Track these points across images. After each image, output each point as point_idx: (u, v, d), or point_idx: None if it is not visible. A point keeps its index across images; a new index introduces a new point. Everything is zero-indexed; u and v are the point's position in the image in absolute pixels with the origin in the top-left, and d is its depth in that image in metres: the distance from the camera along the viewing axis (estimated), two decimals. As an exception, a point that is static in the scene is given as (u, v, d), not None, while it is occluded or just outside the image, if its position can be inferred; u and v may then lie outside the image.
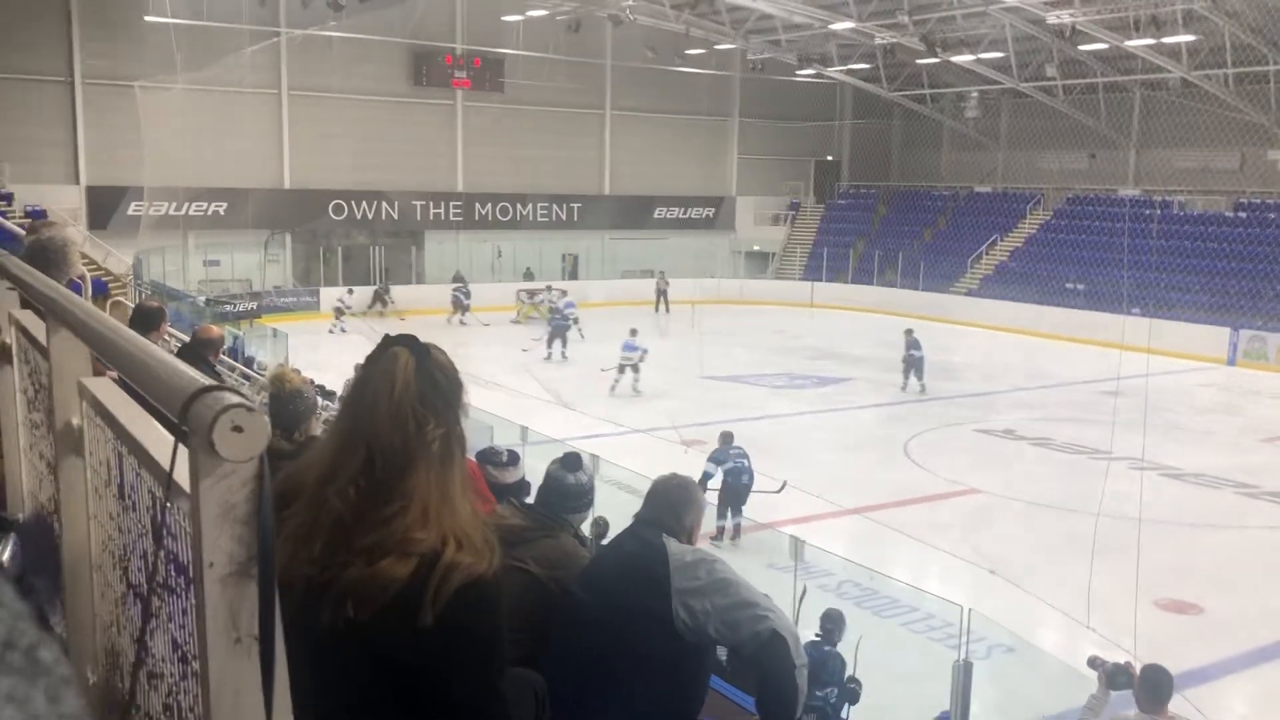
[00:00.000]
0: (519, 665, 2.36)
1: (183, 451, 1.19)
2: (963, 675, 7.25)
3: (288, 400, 3.86)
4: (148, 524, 1.45)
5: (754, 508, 12.46)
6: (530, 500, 3.41)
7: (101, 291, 16.96)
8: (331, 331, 27.22)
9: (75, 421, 1.91)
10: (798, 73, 35.78)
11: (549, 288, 31.85)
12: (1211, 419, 20.00)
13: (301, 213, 31.87)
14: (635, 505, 3.01)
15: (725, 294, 35.58)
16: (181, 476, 1.21)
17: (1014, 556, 11.79)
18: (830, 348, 26.86)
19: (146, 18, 26.42)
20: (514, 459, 4.50)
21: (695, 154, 38.82)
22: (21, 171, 26.33)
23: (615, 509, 5.81)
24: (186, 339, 8.46)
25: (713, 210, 39.68)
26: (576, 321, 25.23)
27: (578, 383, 21.44)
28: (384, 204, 33.14)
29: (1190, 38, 26.58)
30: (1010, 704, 8.69)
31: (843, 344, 27.43)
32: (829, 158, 41.84)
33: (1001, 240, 34.97)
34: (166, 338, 7.67)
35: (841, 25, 30.10)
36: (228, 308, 26.29)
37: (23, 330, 2.44)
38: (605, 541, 4.40)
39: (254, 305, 28.60)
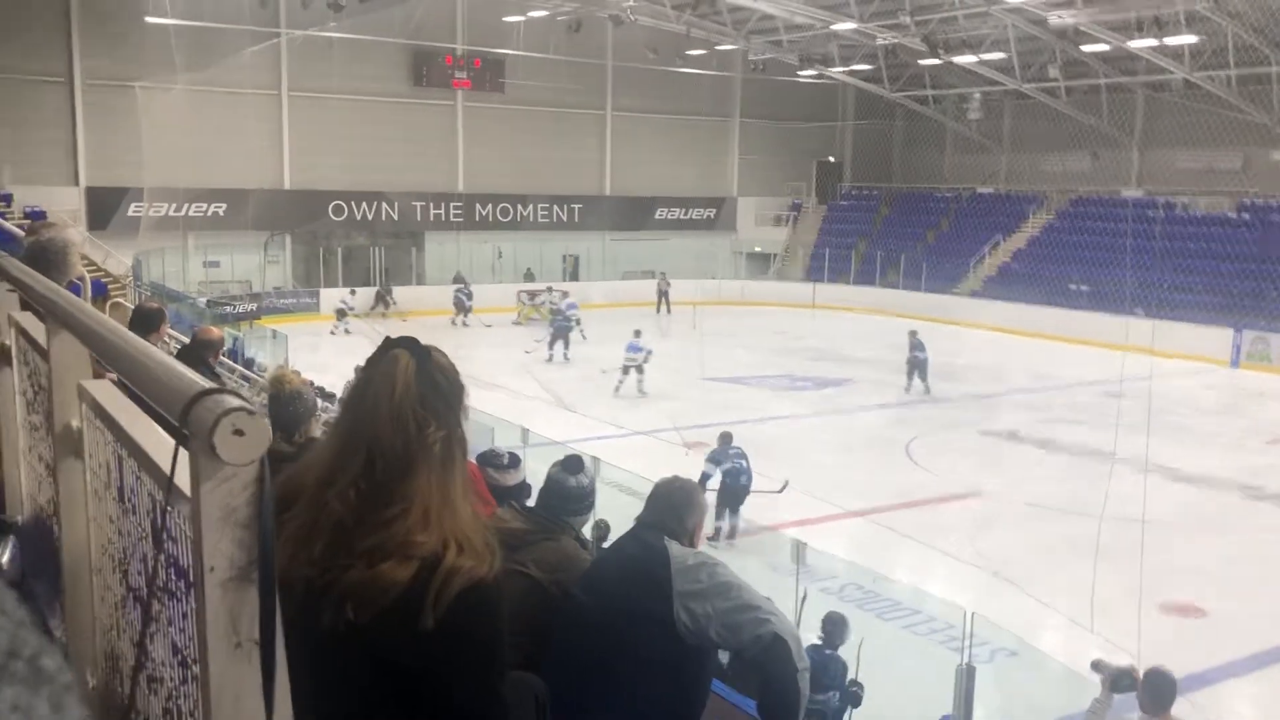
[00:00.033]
0: (520, 669, 2.35)
1: (183, 454, 1.19)
2: (965, 679, 7.24)
3: (287, 402, 3.86)
4: (148, 527, 1.44)
5: (756, 509, 12.45)
6: (531, 503, 3.40)
7: (101, 293, 16.97)
8: (334, 333, 27.23)
9: (75, 424, 1.91)
10: (799, 73, 35.79)
11: (550, 289, 31.86)
12: (1215, 421, 19.98)
13: (301, 213, 31.86)
14: (637, 508, 3.00)
15: (726, 295, 35.53)
16: (182, 480, 1.20)
17: (1017, 559, 11.76)
18: (832, 349, 26.84)
19: (147, 18, 26.45)
20: (515, 462, 4.51)
21: (696, 155, 38.80)
22: (21, 172, 26.34)
23: (616, 511, 5.81)
24: (186, 340, 8.45)
25: (714, 211, 39.67)
26: (579, 323, 25.21)
27: (579, 384, 21.44)
28: (384, 205, 33.13)
29: (1193, 38, 26.56)
30: (1013, 707, 8.67)
31: (845, 345, 27.40)
32: (831, 159, 41.77)
33: (1004, 241, 34.93)
34: (166, 339, 7.66)
35: (843, 26, 30.10)
36: (228, 309, 26.24)
37: (22, 332, 2.43)
38: (606, 544, 4.39)
39: (254, 306, 28.56)
